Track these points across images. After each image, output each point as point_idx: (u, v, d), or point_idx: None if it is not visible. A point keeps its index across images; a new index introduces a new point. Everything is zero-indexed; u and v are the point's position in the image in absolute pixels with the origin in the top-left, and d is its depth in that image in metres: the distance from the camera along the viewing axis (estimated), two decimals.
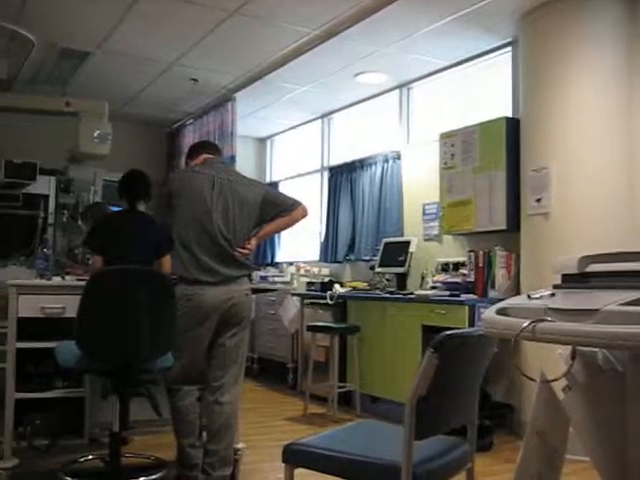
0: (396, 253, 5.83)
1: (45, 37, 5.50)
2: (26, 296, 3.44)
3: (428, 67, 5.88)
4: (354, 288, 6.08)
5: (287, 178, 8.32)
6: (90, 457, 3.68)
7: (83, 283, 3.17)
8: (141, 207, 4.39)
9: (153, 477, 3.36)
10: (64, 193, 6.11)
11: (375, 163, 6.56)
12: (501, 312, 1.64)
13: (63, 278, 3.84)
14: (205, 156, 3.69)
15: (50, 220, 6.17)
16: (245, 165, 6.68)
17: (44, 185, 5.94)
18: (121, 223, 4.25)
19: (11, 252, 5.82)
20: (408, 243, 5.80)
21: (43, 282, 3.64)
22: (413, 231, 5.99)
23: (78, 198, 6.10)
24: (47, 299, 3.46)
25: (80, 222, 5.87)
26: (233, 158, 6.69)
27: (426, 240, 5.89)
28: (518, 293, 4.71)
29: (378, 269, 6.02)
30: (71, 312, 3.19)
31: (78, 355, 3.07)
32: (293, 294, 6.54)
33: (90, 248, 4.31)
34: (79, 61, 6.02)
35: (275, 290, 6.73)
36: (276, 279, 7.45)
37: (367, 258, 6.47)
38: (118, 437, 3.27)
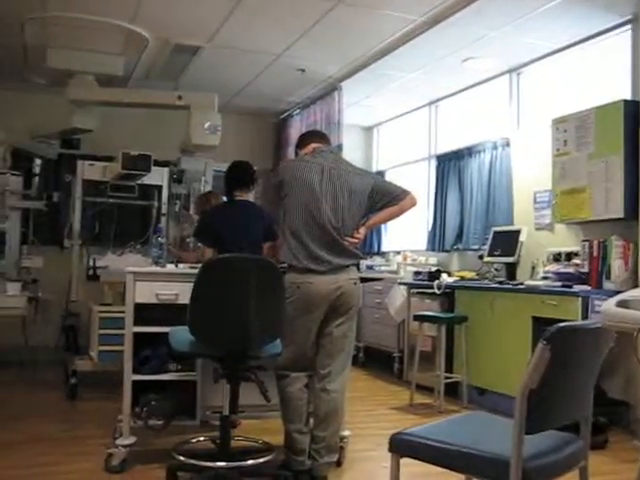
0: (506, 242, 5.70)
1: (159, 34, 5.69)
2: (142, 283, 3.58)
3: (540, 50, 5.67)
4: (462, 278, 5.98)
5: (393, 167, 8.27)
6: (201, 438, 3.81)
7: (195, 271, 3.27)
8: (248, 197, 4.52)
9: (261, 460, 3.43)
10: (176, 184, 6.31)
11: (483, 150, 6.42)
12: (621, 304, 1.58)
13: (176, 266, 3.98)
14: (314, 145, 3.72)
15: (163, 210, 6.40)
16: (351, 154, 6.67)
17: (158, 176, 6.15)
18: (229, 213, 4.40)
19: (128, 240, 6.08)
20: (518, 232, 5.65)
21: (158, 269, 3.78)
22: (523, 220, 5.82)
23: (190, 188, 6.30)
24: (162, 286, 3.59)
25: (192, 212, 6.07)
26: (340, 147, 6.71)
27: (537, 229, 5.71)
28: (636, 285, 4.50)
29: (487, 258, 5.90)
30: (184, 299, 3.30)
31: (190, 340, 3.18)
32: (400, 283, 6.51)
33: (200, 240, 4.49)
34: (190, 56, 6.20)
35: (382, 279, 6.73)
36: (383, 268, 7.45)
37: (475, 247, 6.35)
38: (228, 420, 3.37)
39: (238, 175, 4.48)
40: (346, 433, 3.79)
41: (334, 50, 5.97)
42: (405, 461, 2.14)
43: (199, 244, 5.05)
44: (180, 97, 5.94)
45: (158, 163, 5.96)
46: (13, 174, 5.96)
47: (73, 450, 3.93)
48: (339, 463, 3.70)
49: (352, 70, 6.47)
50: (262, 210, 4.55)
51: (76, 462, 3.69)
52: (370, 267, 7.49)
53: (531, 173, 5.82)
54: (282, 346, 3.39)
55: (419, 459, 2.11)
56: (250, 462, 3.38)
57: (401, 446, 2.15)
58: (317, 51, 5.99)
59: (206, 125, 5.72)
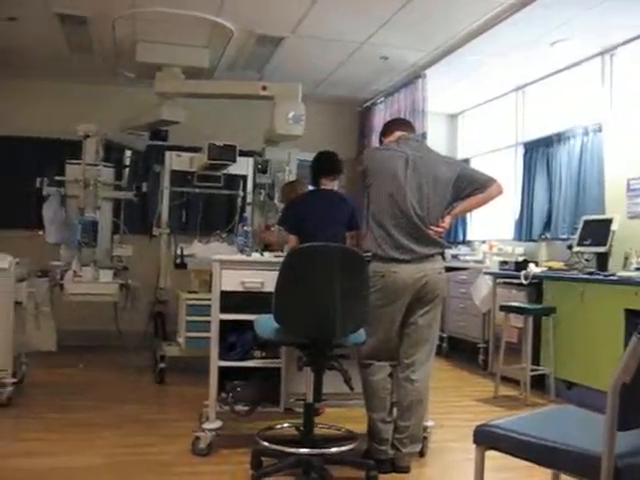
0: (596, 231, 5.50)
1: (243, 26, 5.76)
2: (228, 271, 3.64)
3: (635, 30, 5.43)
4: (550, 268, 5.82)
5: (479, 154, 8.12)
6: (285, 425, 3.87)
7: (280, 259, 3.31)
8: (333, 185, 4.55)
9: (344, 448, 3.45)
10: (261, 173, 6.38)
11: (573, 136, 6.22)
12: None
13: (262, 254, 4.03)
14: (399, 133, 3.69)
15: (248, 199, 6.49)
16: (436, 142, 6.58)
17: (243, 166, 6.23)
18: (313, 202, 4.46)
19: (214, 229, 6.20)
20: (610, 221, 5.44)
21: (244, 258, 3.84)
22: (615, 208, 5.60)
23: (274, 178, 6.35)
24: (247, 274, 3.64)
25: (276, 201, 6.13)
26: (424, 135, 6.64)
27: (631, 218, 5.49)
28: None
29: (576, 248, 5.71)
30: (269, 287, 3.34)
31: (275, 328, 3.22)
32: (485, 273, 6.39)
33: (285, 228, 4.56)
34: (274, 46, 6.25)
35: (467, 269, 6.62)
36: (468, 257, 7.33)
37: (564, 237, 6.17)
38: (312, 408, 3.40)
39: (324, 164, 4.53)
40: (429, 424, 3.76)
41: (417, 37, 5.89)
42: (489, 453, 2.11)
43: (282, 231, 5.13)
44: (264, 87, 6.00)
45: (243, 153, 6.03)
46: (105, 166, 6.17)
47: (162, 432, 4.06)
48: (422, 453, 3.69)
49: (436, 57, 6.37)
50: (346, 199, 4.58)
51: (165, 444, 3.81)
52: (455, 256, 7.39)
53: (625, 159, 5.59)
54: (366, 335, 3.39)
55: (504, 452, 2.08)
56: (333, 450, 3.40)
57: (486, 438, 2.12)
58: (400, 38, 5.93)
59: (290, 115, 5.76)
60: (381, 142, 3.83)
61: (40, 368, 5.50)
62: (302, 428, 3.44)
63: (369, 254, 3.49)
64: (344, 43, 6.12)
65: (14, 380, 4.61)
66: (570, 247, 5.82)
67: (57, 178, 6.06)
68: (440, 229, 3.51)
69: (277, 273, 3.18)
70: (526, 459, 2.02)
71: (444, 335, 7.06)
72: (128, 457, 3.59)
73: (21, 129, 7.30)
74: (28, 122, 7.26)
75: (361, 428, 3.69)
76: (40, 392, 5.04)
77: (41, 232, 6.00)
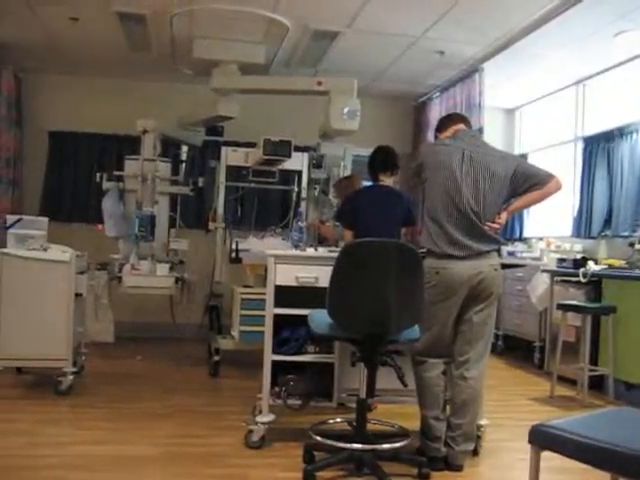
0: None
1: (298, 21, 5.77)
2: (283, 266, 3.66)
3: None
4: (610, 266, 5.67)
5: (537, 150, 7.97)
6: (338, 420, 3.88)
7: (335, 254, 3.31)
8: (390, 181, 4.55)
9: (397, 445, 3.43)
10: (316, 169, 6.39)
11: (636, 130, 6.05)
12: None
13: (316, 249, 4.04)
14: (455, 128, 3.65)
15: (303, 194, 6.51)
16: (493, 137, 6.48)
17: (298, 161, 6.24)
18: (369, 198, 4.47)
19: (268, 224, 6.25)
20: None
21: (298, 253, 3.85)
22: None
23: (329, 173, 6.36)
24: (301, 269, 3.66)
25: (331, 196, 6.14)
26: (481, 130, 6.55)
27: None
28: None
29: (638, 246, 5.56)
30: (323, 282, 3.36)
31: (329, 323, 3.23)
32: (542, 270, 6.28)
33: (341, 223, 4.59)
34: (329, 41, 6.24)
35: (523, 266, 6.51)
36: (524, 254, 7.21)
37: (626, 234, 6.01)
38: (364, 403, 3.40)
39: (381, 159, 4.53)
40: (483, 422, 3.72)
41: (475, 31, 5.81)
42: (545, 454, 2.07)
43: (337, 225, 5.17)
44: (320, 83, 6.00)
45: (298, 148, 6.05)
46: (162, 161, 6.27)
47: (215, 424, 4.12)
48: (476, 452, 3.64)
49: (494, 51, 6.27)
50: (402, 195, 4.58)
51: (218, 436, 3.86)
52: (511, 253, 7.27)
53: None
54: (420, 331, 3.37)
55: (560, 453, 2.03)
56: (386, 446, 3.40)
57: (542, 438, 2.08)
58: (457, 32, 5.85)
59: (345, 110, 5.74)
60: (436, 137, 3.79)
61: (98, 358, 5.64)
62: (354, 423, 3.44)
63: (424, 250, 3.47)
64: (400, 37, 6.08)
65: (74, 370, 4.73)
66: (632, 245, 5.66)
67: (116, 173, 6.20)
68: (496, 225, 3.46)
69: (331, 268, 3.18)
70: (583, 461, 1.98)
71: (499, 333, 6.97)
72: (183, 448, 3.65)
73: (82, 125, 7.48)
74: (89, 118, 7.44)
75: (414, 425, 3.67)
76: (98, 382, 5.16)
77: (100, 226, 6.13)
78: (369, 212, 4.38)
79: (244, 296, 5.22)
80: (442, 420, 3.50)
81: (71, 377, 4.64)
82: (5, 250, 4.66)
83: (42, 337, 4.59)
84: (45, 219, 5.03)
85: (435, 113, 7.60)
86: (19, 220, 4.89)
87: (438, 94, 7.70)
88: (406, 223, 4.47)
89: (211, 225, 6.28)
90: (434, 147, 3.70)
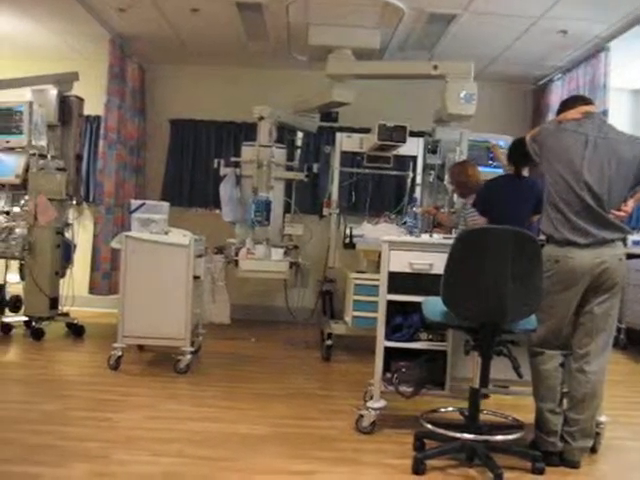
0: None
1: (413, 4, 5.68)
2: (397, 252, 3.64)
3: None
4: None
5: None
6: (450, 409, 3.83)
7: (450, 241, 3.27)
8: (525, 171, 4.63)
9: (510, 437, 3.36)
10: (431, 154, 6.31)
11: None
12: None
13: (431, 236, 3.99)
14: (579, 111, 3.48)
15: (418, 180, 6.45)
16: (618, 120, 6.10)
17: (413, 147, 6.19)
18: (503, 187, 4.61)
19: (382, 210, 6.23)
20: None
21: (413, 239, 3.81)
22: None
23: (444, 159, 6.26)
24: (416, 255, 3.62)
25: (446, 182, 6.05)
26: (605, 113, 6.23)
27: None
28: None
29: None
30: (438, 269, 3.32)
31: (443, 310, 3.19)
32: None
33: (477, 209, 4.66)
34: (445, 24, 6.12)
35: None
36: None
37: None
38: (478, 393, 3.34)
39: (522, 152, 4.53)
40: (603, 419, 3.56)
41: (601, 7, 5.51)
42: None
43: (453, 212, 5.18)
44: (436, 67, 5.89)
45: (413, 134, 5.99)
46: (278, 147, 6.37)
47: (327, 408, 4.16)
48: (594, 449, 3.50)
49: (621, 28, 5.93)
50: (535, 183, 4.58)
51: (329, 419, 3.91)
52: (637, 242, 6.91)
53: None
54: (537, 322, 3.27)
55: None
56: (498, 437, 3.33)
57: None
58: (581, 10, 5.58)
59: (462, 94, 5.62)
60: (559, 122, 3.63)
61: (215, 340, 5.83)
62: (467, 413, 3.39)
63: (543, 238, 3.36)
64: (519, 18, 5.87)
65: (192, 349, 4.91)
66: None
67: (233, 159, 6.36)
68: (622, 213, 3.30)
69: (446, 255, 3.14)
70: None
71: (622, 326, 6.65)
72: (295, 429, 3.71)
73: (201, 113, 7.70)
74: (208, 106, 7.65)
75: (528, 417, 3.58)
76: (215, 362, 5.34)
77: (218, 211, 6.32)
78: (503, 200, 4.49)
79: (357, 282, 5.24)
80: (558, 414, 3.39)
81: (189, 356, 4.82)
82: (129, 233, 4.89)
83: (162, 317, 4.79)
84: (166, 204, 5.24)
85: (556, 96, 7.31)
86: (142, 205, 5.11)
87: (559, 76, 7.39)
88: (536, 211, 4.42)
89: (325, 211, 6.34)
90: (554, 130, 3.55)
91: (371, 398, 3.75)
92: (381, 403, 3.69)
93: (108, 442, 3.36)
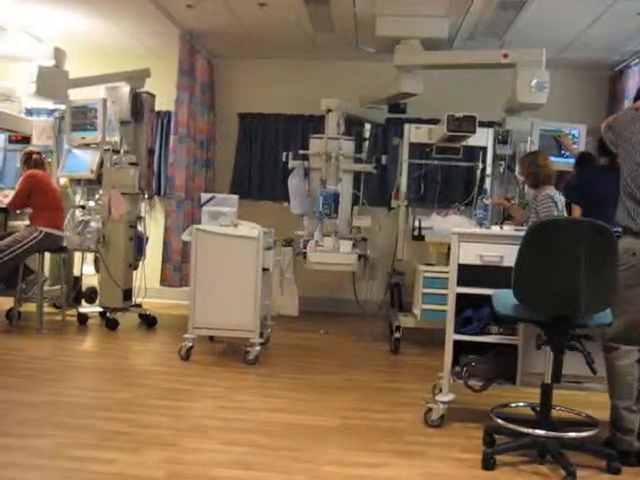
0: None
1: None
2: (467, 244, 3.59)
3: None
4: None
5: None
6: (521, 404, 3.76)
7: (521, 233, 3.20)
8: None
9: (584, 434, 3.26)
10: (501, 144, 6.18)
11: None
12: None
13: (501, 228, 3.92)
14: None
15: (488, 171, 6.33)
16: None
17: (482, 137, 6.08)
18: (599, 177, 4.72)
19: (451, 202, 6.15)
20: None
21: (483, 231, 3.76)
22: None
23: (515, 149, 6.13)
24: (486, 247, 3.56)
25: (517, 173, 5.92)
26: None
27: None
28: None
29: None
30: (509, 261, 3.25)
31: (514, 304, 3.13)
32: None
33: (571, 198, 4.64)
34: (516, 10, 5.97)
35: None
36: None
37: None
38: (549, 388, 3.26)
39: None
40: None
41: None
42: None
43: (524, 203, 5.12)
44: (506, 55, 5.78)
45: (483, 124, 5.88)
46: (346, 139, 6.36)
47: (394, 400, 4.15)
48: None
49: None
50: None
51: (397, 412, 3.89)
52: None
53: None
54: (613, 316, 3.16)
55: None
56: (571, 434, 3.25)
57: None
58: None
59: (533, 82, 5.50)
60: (637, 109, 3.49)
61: (283, 331, 5.88)
62: (538, 409, 3.32)
63: (618, 229, 3.24)
64: (594, 1, 5.68)
65: (261, 341, 4.97)
66: None
67: (301, 152, 6.39)
68: None
69: (518, 247, 3.08)
70: None
71: None
72: (362, 421, 3.71)
73: (269, 106, 7.76)
74: (275, 100, 7.70)
75: (603, 415, 3.46)
76: (283, 353, 5.39)
77: (286, 204, 6.36)
78: (596, 191, 4.57)
79: (426, 274, 5.21)
80: (635, 412, 3.27)
81: (258, 348, 4.88)
82: (199, 226, 4.98)
83: (232, 309, 4.86)
84: (235, 197, 5.30)
85: (633, 82, 7.04)
86: (212, 198, 5.19)
87: (637, 61, 7.13)
88: None
89: (394, 203, 6.30)
90: (633, 118, 3.41)
91: (440, 391, 3.72)
92: (450, 396, 3.66)
93: (179, 430, 3.43)
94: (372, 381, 4.63)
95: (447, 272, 3.73)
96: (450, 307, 3.63)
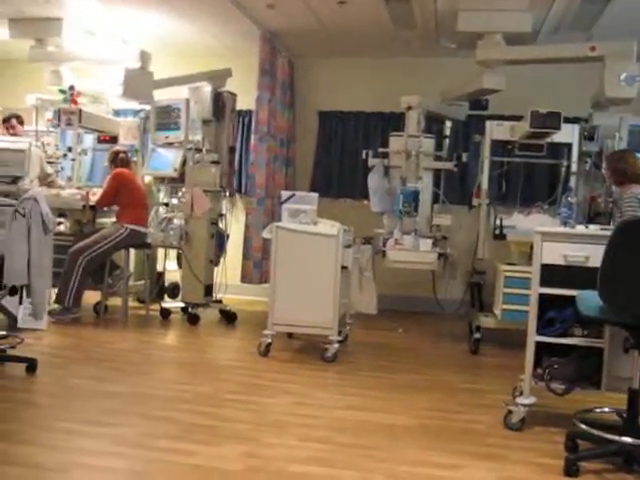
0: None
1: None
2: (550, 243, 3.49)
3: None
4: None
5: None
6: (606, 409, 3.62)
7: (608, 233, 3.09)
8: None
9: None
10: (587, 141, 5.99)
11: None
12: None
13: (587, 227, 3.80)
14: None
15: (573, 168, 6.15)
16: None
17: (568, 133, 5.91)
18: None
19: (534, 200, 6.01)
20: None
21: (567, 230, 3.64)
22: None
23: (602, 145, 5.93)
24: (570, 247, 3.46)
25: (603, 170, 5.72)
26: None
27: None
28: None
29: None
30: (594, 261, 3.14)
31: (600, 305, 3.03)
32: None
33: None
34: (603, 3, 5.77)
35: None
36: None
37: None
38: (637, 394, 3.14)
39: None
40: None
41: None
42: None
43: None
44: (593, 48, 5.58)
45: (568, 120, 5.71)
46: (426, 136, 6.29)
47: (473, 401, 4.08)
48: None
49: None
50: None
51: (476, 413, 3.82)
52: None
53: None
54: None
55: None
56: None
57: None
58: None
59: (622, 76, 5.29)
60: None
61: (362, 329, 5.88)
62: (625, 415, 3.20)
63: None
64: None
65: (339, 338, 4.98)
66: None
67: (381, 150, 6.36)
68: None
69: (604, 247, 2.98)
70: None
71: None
72: (440, 421, 3.66)
73: (349, 104, 7.77)
74: (355, 97, 7.70)
75: None
76: (361, 352, 5.39)
77: (366, 202, 6.34)
78: None
79: (508, 274, 5.12)
80: None
81: (336, 345, 4.89)
82: (280, 224, 5.03)
83: (311, 306, 4.89)
84: (315, 195, 5.33)
85: None
86: (292, 196, 5.23)
87: None
88: None
89: (475, 201, 6.20)
90: None
91: (520, 394, 3.63)
92: (531, 399, 3.57)
93: (258, 425, 3.48)
94: (450, 381, 4.58)
95: (529, 272, 3.65)
96: (532, 308, 3.55)
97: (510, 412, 3.58)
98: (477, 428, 3.58)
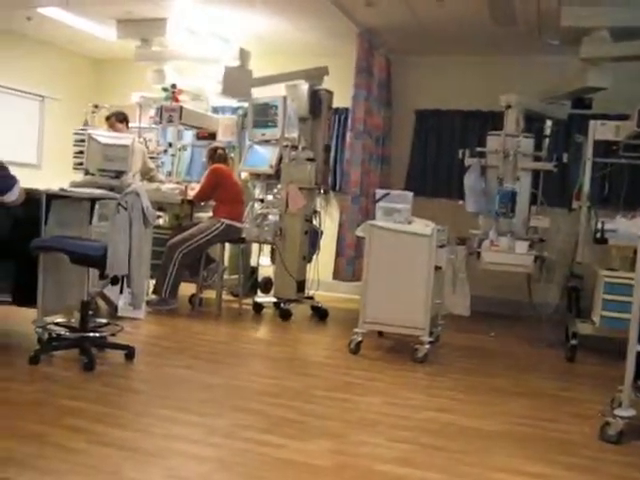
0: None
1: None
2: None
3: None
4: None
5: None
6: None
7: None
8: None
9: None
10: None
11: None
12: None
13: None
14: None
15: None
16: None
17: None
18: None
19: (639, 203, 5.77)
20: None
21: None
22: None
23: None
24: None
25: None
26: None
27: None
28: None
29: None
30: None
31: None
32: None
33: None
34: None
35: None
36: None
37: None
38: None
39: None
40: None
41: None
42: None
43: None
44: None
45: None
46: (525, 136, 6.14)
47: (568, 410, 3.95)
48: None
49: None
50: None
51: (570, 423, 3.70)
52: None
53: None
54: None
55: None
56: None
57: None
58: None
59: None
60: None
61: (453, 331, 5.80)
62: None
63: None
64: None
65: (430, 339, 4.93)
66: None
67: (478, 149, 6.25)
68: None
69: None
70: None
71: None
72: (532, 429, 3.57)
73: (446, 103, 7.67)
74: (452, 96, 7.60)
75: None
76: (452, 354, 5.32)
77: (461, 202, 6.25)
78: None
79: (608, 279, 4.95)
80: None
81: (427, 346, 4.84)
82: (374, 222, 5.03)
83: (403, 305, 4.87)
84: (410, 193, 5.29)
85: None
86: (387, 194, 5.22)
87: None
88: None
89: (575, 203, 6.02)
90: None
91: (619, 405, 3.48)
92: (630, 412, 3.42)
93: (347, 422, 3.49)
94: (543, 388, 4.45)
95: (632, 278, 3.49)
96: (634, 316, 3.39)
97: (607, 424, 3.44)
98: (571, 438, 3.47)
